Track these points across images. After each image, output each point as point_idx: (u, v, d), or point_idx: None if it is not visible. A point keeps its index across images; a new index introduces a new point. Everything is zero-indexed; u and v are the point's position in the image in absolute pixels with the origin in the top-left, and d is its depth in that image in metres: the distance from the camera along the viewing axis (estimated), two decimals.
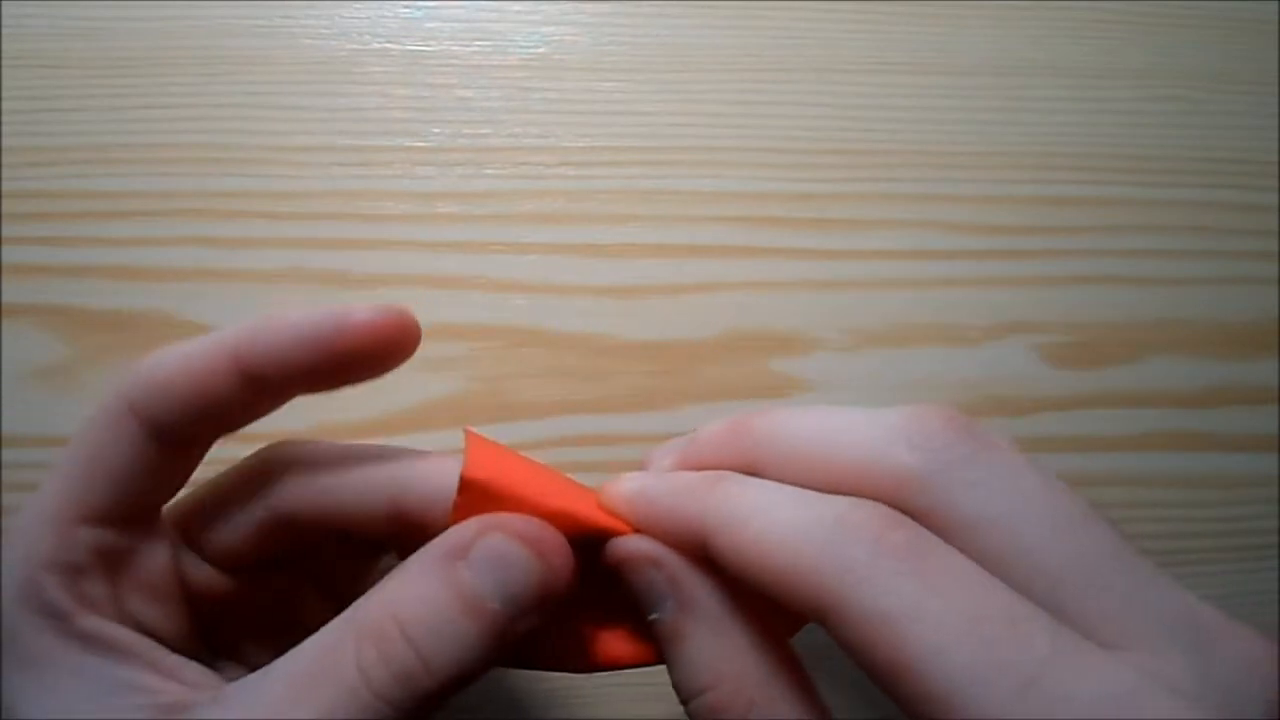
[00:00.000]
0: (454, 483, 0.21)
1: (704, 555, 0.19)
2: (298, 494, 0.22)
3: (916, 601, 0.16)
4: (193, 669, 0.21)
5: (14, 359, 0.32)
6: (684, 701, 0.20)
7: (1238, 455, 0.36)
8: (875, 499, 0.18)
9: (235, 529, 0.23)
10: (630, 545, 0.21)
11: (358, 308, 0.21)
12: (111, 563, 0.21)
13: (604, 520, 0.21)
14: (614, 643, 0.22)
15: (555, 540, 0.20)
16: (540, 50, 0.36)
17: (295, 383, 0.21)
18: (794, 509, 0.18)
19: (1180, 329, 0.37)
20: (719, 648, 0.19)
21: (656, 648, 0.21)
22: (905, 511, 0.18)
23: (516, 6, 0.36)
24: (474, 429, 0.22)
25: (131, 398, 0.21)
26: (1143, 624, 0.17)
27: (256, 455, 0.24)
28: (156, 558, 0.22)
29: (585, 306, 0.34)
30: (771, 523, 0.18)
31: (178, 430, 0.21)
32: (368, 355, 0.21)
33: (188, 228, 0.33)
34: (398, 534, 0.22)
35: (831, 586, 0.17)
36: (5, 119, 0.33)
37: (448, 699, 0.19)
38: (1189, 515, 0.36)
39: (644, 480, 0.21)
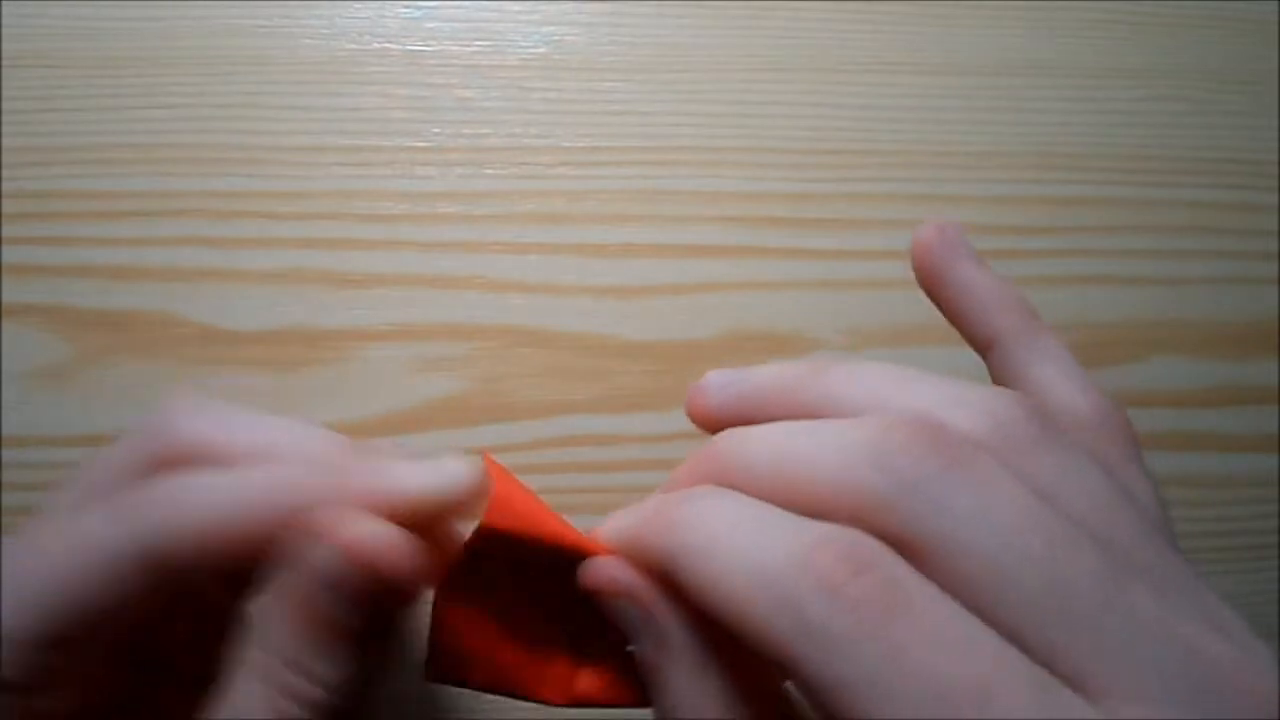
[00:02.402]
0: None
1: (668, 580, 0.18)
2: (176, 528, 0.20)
3: (875, 669, 0.15)
4: None
5: (14, 359, 0.32)
6: None
7: (1238, 455, 0.36)
8: (849, 520, 0.17)
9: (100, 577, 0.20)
10: (601, 572, 0.19)
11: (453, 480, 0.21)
12: (44, 678, 0.20)
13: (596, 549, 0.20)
14: (594, 678, 0.22)
15: (391, 543, 0.20)
16: (540, 50, 0.36)
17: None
18: (757, 537, 0.17)
19: (1180, 329, 0.37)
20: (698, 688, 0.18)
21: (638, 688, 0.20)
22: (880, 534, 0.16)
23: (516, 6, 0.36)
24: (493, 458, 0.22)
25: (146, 544, 0.19)
26: (1136, 668, 0.15)
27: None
28: (74, 676, 0.21)
29: (585, 306, 0.34)
30: (732, 555, 0.17)
31: (198, 589, 0.20)
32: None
33: (188, 228, 0.33)
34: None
35: (787, 644, 0.15)
36: (5, 119, 0.33)
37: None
38: (1189, 515, 0.36)
39: (629, 509, 0.20)
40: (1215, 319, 0.37)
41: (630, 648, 0.20)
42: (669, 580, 0.18)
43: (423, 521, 0.21)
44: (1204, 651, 0.15)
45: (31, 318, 0.32)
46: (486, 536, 0.20)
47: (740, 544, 0.17)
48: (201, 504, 0.20)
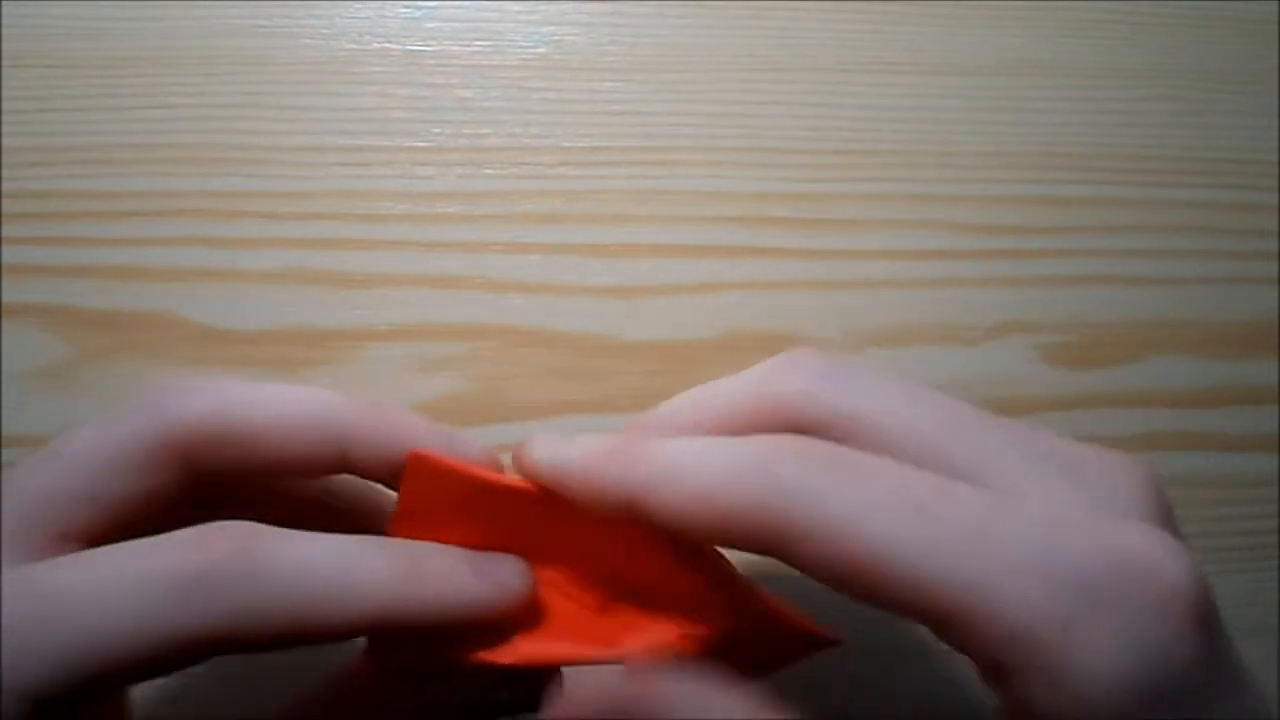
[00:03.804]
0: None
1: (626, 518, 0.19)
2: (211, 423, 0.20)
3: (854, 499, 0.17)
4: None
5: (14, 359, 0.32)
6: None
7: (1238, 455, 0.36)
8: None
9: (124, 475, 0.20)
10: (581, 704, 0.19)
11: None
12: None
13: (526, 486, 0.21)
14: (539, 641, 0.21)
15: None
16: (540, 50, 0.36)
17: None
18: (723, 453, 0.18)
19: (1180, 329, 0.37)
20: None
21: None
22: (803, 433, 0.19)
23: (516, 6, 0.36)
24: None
25: (177, 436, 0.19)
26: (1028, 466, 0.19)
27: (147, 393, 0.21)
28: None
29: (585, 306, 0.34)
30: (706, 469, 0.18)
31: (231, 487, 0.20)
32: None
33: (188, 228, 0.33)
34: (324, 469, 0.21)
35: (776, 511, 0.17)
36: (5, 119, 0.33)
37: None
38: (1189, 515, 0.36)
39: (557, 447, 0.20)
40: (1214, 319, 0.37)
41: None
42: (614, 516, 0.19)
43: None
44: (1067, 449, 0.20)
45: (31, 318, 0.32)
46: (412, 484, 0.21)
47: (706, 455, 0.18)
48: (236, 398, 0.20)
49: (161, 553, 0.18)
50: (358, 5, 0.35)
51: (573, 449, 0.20)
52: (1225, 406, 0.37)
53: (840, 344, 0.35)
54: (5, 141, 0.33)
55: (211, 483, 0.21)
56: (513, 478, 0.21)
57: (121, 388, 0.32)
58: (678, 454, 0.19)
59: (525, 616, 0.21)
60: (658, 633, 0.21)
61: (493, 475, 0.21)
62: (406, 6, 0.36)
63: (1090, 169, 0.37)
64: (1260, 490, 0.36)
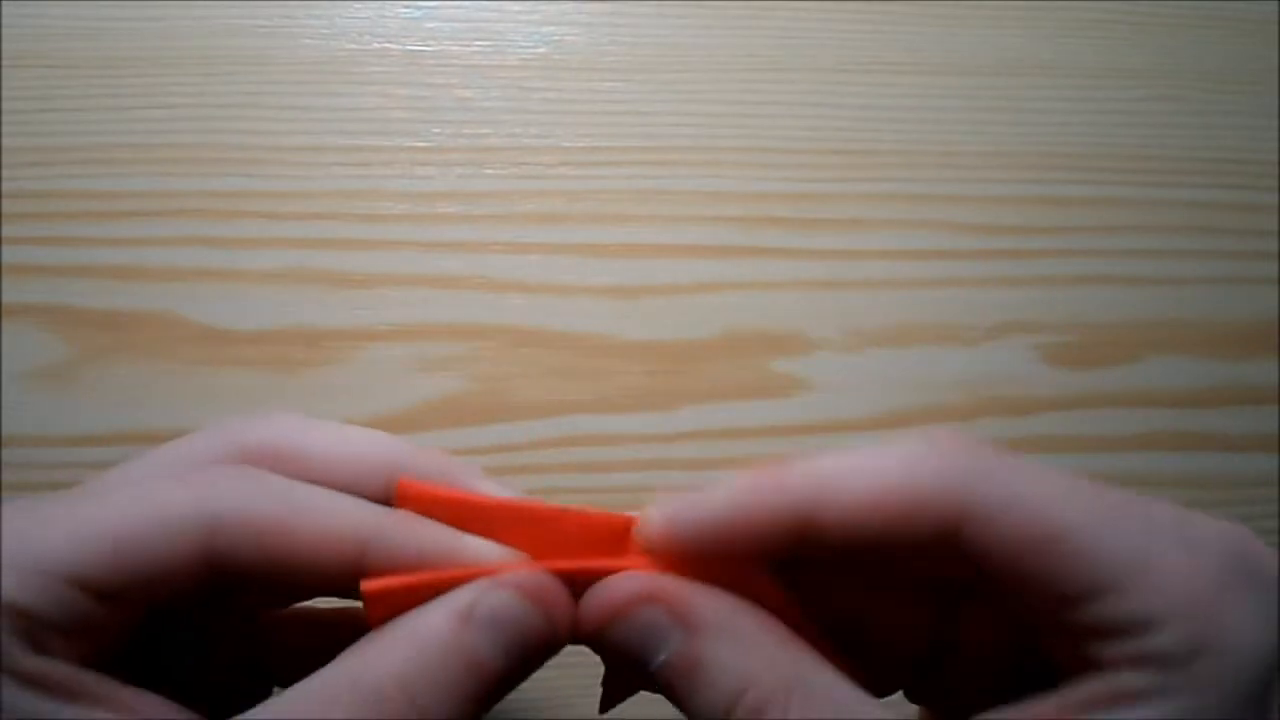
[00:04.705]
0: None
1: (798, 536, 0.19)
2: (246, 538, 0.19)
3: (1032, 477, 0.18)
4: (150, 701, 0.19)
5: (14, 359, 0.32)
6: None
7: (1238, 455, 0.36)
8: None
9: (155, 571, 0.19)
10: (615, 593, 0.19)
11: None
12: (79, 625, 0.19)
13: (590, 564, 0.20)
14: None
15: (555, 590, 0.19)
16: (540, 50, 0.36)
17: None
18: (894, 450, 0.18)
19: (1180, 329, 0.37)
20: (742, 652, 0.19)
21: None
22: None
23: (516, 6, 0.36)
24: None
25: (218, 519, 0.19)
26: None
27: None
28: (113, 628, 0.19)
29: (585, 306, 0.34)
30: (881, 464, 0.18)
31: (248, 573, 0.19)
32: None
33: (188, 228, 0.33)
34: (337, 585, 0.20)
35: (961, 491, 0.18)
36: (5, 119, 0.33)
37: None
38: None
39: (683, 500, 0.19)
40: (1214, 319, 0.37)
41: (658, 661, 0.19)
42: (783, 538, 0.19)
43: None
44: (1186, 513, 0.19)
45: (31, 318, 0.32)
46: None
47: (875, 455, 0.18)
48: (279, 497, 0.19)
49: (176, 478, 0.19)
50: (358, 5, 0.35)
51: (708, 494, 0.19)
52: (1225, 406, 0.37)
53: (840, 344, 0.35)
54: (5, 141, 0.33)
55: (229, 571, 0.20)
56: (500, 497, 0.21)
57: (121, 388, 0.32)
58: (841, 461, 0.19)
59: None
60: None
61: (481, 497, 0.21)
62: (406, 6, 0.36)
63: (1090, 169, 0.37)
64: (1260, 490, 0.36)
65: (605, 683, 0.22)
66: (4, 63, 0.34)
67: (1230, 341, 0.37)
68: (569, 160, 0.35)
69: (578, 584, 0.20)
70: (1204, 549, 0.17)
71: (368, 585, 0.19)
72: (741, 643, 0.19)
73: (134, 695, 0.19)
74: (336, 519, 0.19)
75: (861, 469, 0.18)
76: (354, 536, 0.19)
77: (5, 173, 0.33)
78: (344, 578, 0.19)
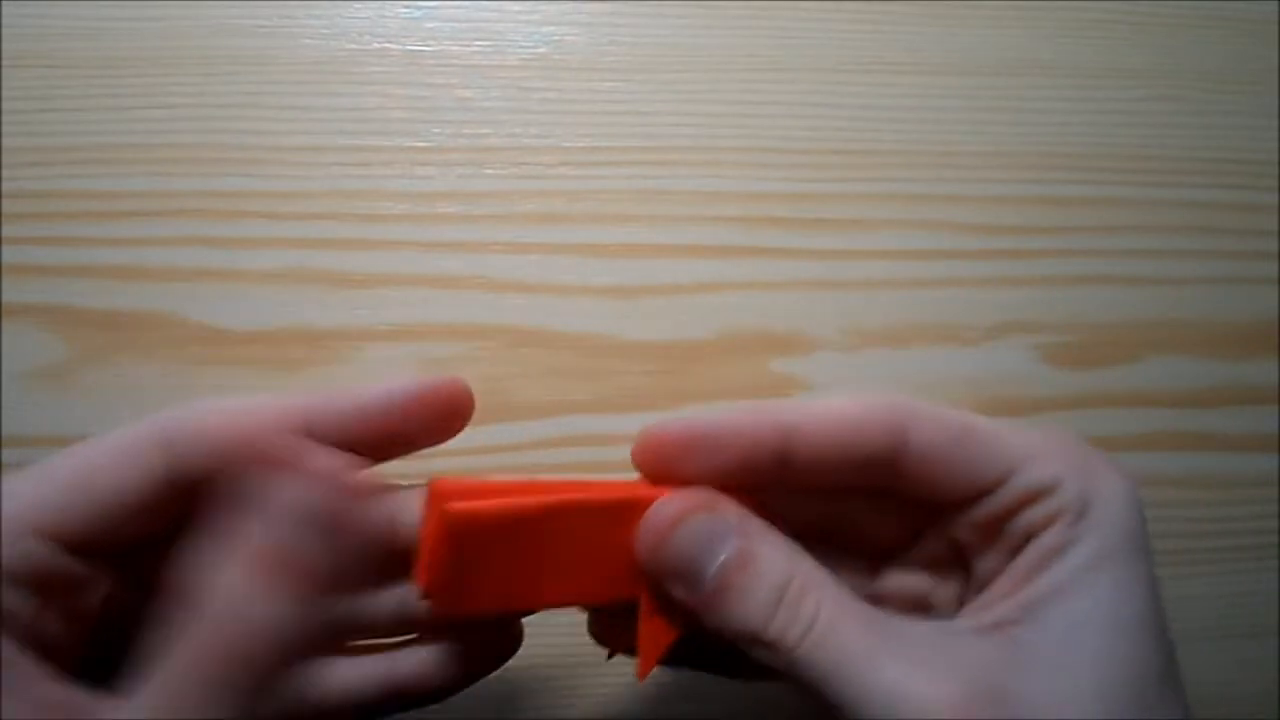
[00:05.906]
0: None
1: (777, 458, 0.22)
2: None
3: (956, 408, 0.22)
4: (56, 691, 0.19)
5: (14, 359, 0.32)
6: (768, 621, 0.20)
7: (1238, 455, 0.36)
8: None
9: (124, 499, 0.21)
10: (675, 504, 0.21)
11: (408, 382, 0.23)
12: (43, 582, 0.20)
13: (611, 492, 0.22)
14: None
15: (321, 456, 0.20)
16: (540, 50, 0.36)
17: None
18: (843, 396, 0.22)
19: (1180, 329, 0.37)
20: (780, 547, 0.21)
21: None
22: None
23: (516, 6, 0.36)
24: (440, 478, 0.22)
25: (170, 434, 0.21)
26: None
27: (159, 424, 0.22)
28: (89, 589, 0.21)
29: (585, 306, 0.34)
30: (839, 402, 0.22)
31: (207, 481, 0.20)
32: (420, 428, 0.23)
33: (188, 228, 0.33)
34: None
35: (902, 409, 0.22)
36: (5, 119, 0.33)
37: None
38: (1189, 515, 0.36)
39: (689, 419, 0.22)
40: (1214, 319, 0.37)
41: (712, 569, 0.21)
42: (765, 459, 0.22)
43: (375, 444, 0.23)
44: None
45: (31, 318, 0.32)
46: (455, 524, 0.21)
47: (844, 398, 0.22)
48: (222, 407, 0.21)
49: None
50: (358, 5, 0.35)
51: (714, 413, 0.22)
52: (1225, 406, 0.37)
53: (840, 344, 0.35)
54: (5, 141, 0.33)
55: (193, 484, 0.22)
56: (531, 497, 0.22)
57: (121, 388, 0.32)
58: (810, 400, 0.23)
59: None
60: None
61: (513, 482, 0.22)
62: (406, 6, 0.36)
63: (1090, 169, 0.37)
64: (1260, 490, 0.36)
65: (640, 640, 0.22)
66: (4, 63, 0.34)
67: (1230, 341, 0.37)
68: (569, 160, 0.35)
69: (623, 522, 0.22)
70: (1067, 439, 0.22)
71: (453, 507, 0.21)
72: (776, 540, 0.21)
73: (48, 689, 0.19)
74: (275, 404, 0.22)
75: (828, 402, 0.22)
76: (301, 411, 0.22)
77: (5, 173, 0.33)
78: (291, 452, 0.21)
